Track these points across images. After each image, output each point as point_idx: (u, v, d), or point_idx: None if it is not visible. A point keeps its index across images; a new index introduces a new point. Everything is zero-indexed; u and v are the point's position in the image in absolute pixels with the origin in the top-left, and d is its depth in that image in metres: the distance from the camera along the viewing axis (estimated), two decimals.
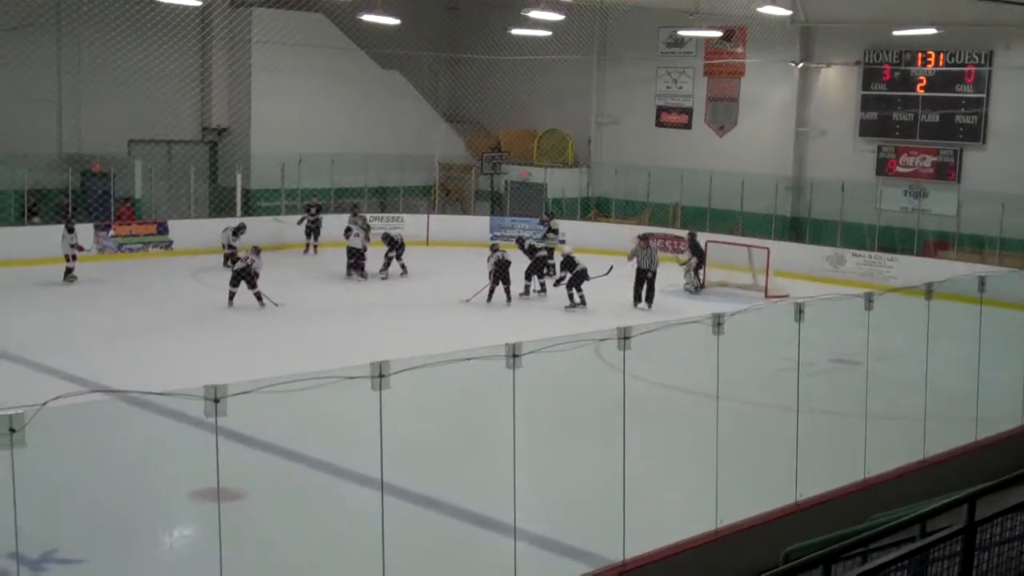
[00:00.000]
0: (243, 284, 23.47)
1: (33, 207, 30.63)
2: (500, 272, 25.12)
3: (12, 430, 6.35)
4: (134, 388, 11.64)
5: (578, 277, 25.02)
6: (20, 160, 30.32)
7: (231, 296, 23.56)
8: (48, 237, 27.41)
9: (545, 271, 26.50)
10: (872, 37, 32.00)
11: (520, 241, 27.63)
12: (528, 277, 25.70)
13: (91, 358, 18.82)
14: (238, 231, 28.76)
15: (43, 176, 31.00)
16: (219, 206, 34.43)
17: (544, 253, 26.66)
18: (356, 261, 28.21)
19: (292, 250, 31.50)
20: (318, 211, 32.51)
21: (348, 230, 28.85)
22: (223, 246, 28.63)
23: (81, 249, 26.46)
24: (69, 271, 26.07)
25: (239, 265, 23.89)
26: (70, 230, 26.32)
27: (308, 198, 33.92)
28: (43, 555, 10.59)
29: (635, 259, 25.78)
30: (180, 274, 28.11)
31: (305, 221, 32.39)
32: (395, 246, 28.42)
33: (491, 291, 25.24)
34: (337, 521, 11.95)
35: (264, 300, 23.44)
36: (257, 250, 24.24)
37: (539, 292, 26.01)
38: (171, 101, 33.57)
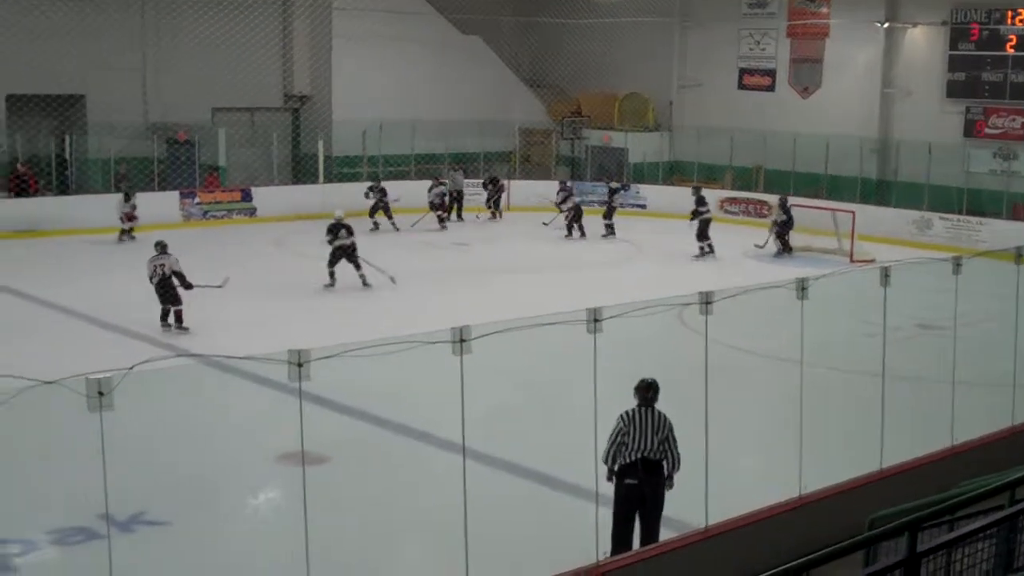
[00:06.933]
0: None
1: (124, 175, 31.15)
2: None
3: (101, 393, 6.47)
4: (219, 353, 11.81)
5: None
6: (107, 129, 30.81)
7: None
8: (136, 205, 27.90)
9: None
10: None
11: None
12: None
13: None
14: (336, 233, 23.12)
15: (129, 145, 31.45)
16: (302, 173, 34.73)
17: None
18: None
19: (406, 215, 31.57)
20: (499, 183, 33.61)
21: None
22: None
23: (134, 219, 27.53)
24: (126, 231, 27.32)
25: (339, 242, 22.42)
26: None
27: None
28: (131, 517, 10.80)
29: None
30: (263, 241, 28.41)
31: (488, 191, 33.55)
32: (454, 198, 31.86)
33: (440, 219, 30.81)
34: (420, 485, 12.03)
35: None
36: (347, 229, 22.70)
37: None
38: (254, 69, 33.84)
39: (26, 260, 25.12)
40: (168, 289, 19.05)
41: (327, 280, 22.49)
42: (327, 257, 22.61)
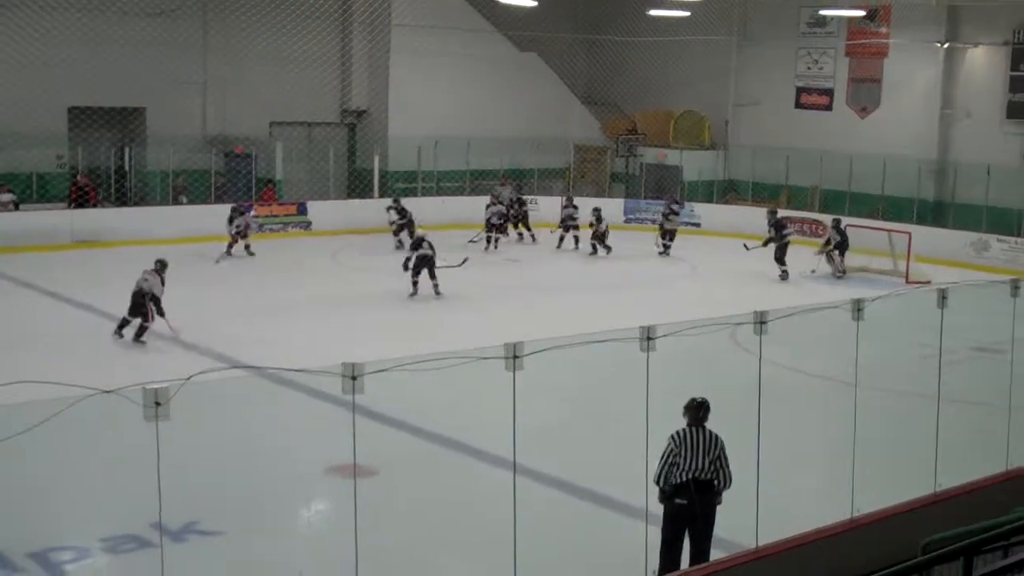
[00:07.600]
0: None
1: (183, 187, 31.54)
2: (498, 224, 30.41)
3: (157, 403, 6.54)
4: (273, 365, 11.91)
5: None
6: (166, 142, 31.21)
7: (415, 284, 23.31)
8: (194, 217, 28.21)
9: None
10: (1021, 16, 30.97)
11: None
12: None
13: (231, 335, 19.31)
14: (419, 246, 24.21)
15: (188, 157, 31.83)
16: (357, 188, 34.96)
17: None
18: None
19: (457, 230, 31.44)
20: (522, 203, 32.64)
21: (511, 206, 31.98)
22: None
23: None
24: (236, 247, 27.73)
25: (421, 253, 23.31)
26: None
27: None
28: (184, 526, 10.89)
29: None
30: (319, 254, 28.60)
31: (512, 210, 32.15)
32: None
33: (488, 239, 30.13)
34: (469, 500, 12.04)
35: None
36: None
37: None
38: (312, 84, 34.19)
39: (85, 270, 25.44)
40: (137, 304, 18.88)
41: (411, 290, 23.33)
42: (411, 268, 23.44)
